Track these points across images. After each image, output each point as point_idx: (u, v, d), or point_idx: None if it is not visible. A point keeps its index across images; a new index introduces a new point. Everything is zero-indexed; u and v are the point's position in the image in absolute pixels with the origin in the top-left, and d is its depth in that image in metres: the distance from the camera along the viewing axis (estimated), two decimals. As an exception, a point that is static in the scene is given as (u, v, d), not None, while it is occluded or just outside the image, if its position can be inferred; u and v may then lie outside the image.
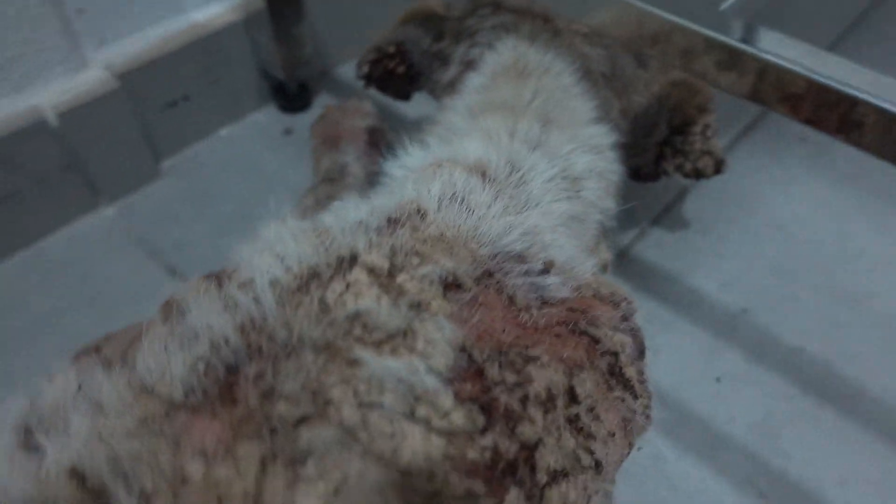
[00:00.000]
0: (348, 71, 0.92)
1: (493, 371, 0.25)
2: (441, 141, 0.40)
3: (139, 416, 0.21)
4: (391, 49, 0.65)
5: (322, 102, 0.87)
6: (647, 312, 0.67)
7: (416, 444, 0.22)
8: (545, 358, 0.27)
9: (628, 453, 0.34)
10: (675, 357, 0.61)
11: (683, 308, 0.64)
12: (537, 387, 0.25)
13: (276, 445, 0.20)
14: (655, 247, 0.70)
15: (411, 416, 0.22)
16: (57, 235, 0.73)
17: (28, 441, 0.23)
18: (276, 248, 0.27)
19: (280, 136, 0.83)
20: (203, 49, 0.78)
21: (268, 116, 0.86)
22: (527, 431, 0.24)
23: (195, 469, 0.19)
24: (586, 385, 0.28)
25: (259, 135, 0.83)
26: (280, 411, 0.20)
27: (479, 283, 0.29)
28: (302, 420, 0.20)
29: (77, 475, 0.21)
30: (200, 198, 0.76)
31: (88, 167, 0.72)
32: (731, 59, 0.48)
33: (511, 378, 0.25)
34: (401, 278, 0.25)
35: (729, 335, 0.62)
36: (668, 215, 0.72)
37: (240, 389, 0.21)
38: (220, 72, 0.81)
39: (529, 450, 0.24)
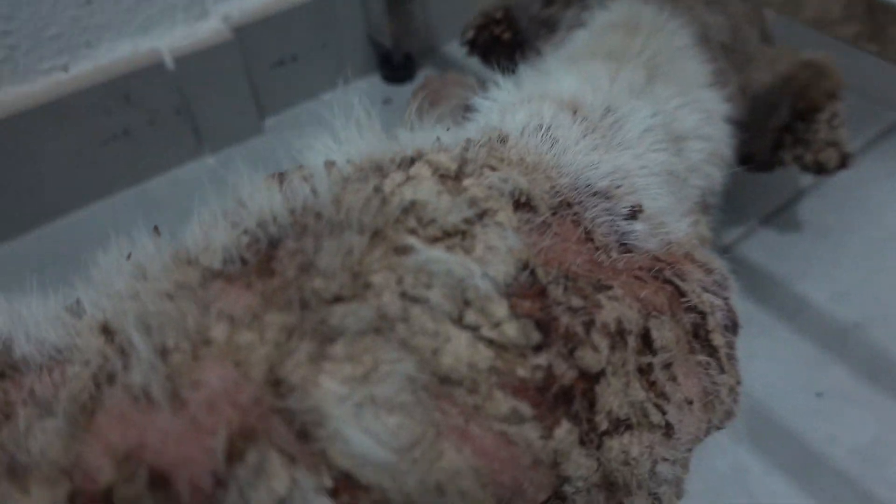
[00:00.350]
0: (454, 48, 0.91)
1: (557, 292, 0.22)
2: (535, 81, 0.38)
3: (176, 281, 0.20)
4: (498, 14, 0.63)
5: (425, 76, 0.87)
6: (744, 314, 0.61)
7: (461, 350, 0.20)
8: (619, 292, 0.24)
9: (707, 432, 0.30)
10: (771, 365, 0.55)
11: (786, 314, 0.58)
12: (606, 316, 0.22)
13: (305, 319, 0.18)
14: (762, 248, 0.64)
15: (459, 320, 0.20)
16: (161, 177, 0.76)
17: (74, 304, 0.23)
18: (344, 141, 0.25)
19: (379, 105, 0.83)
20: (317, 11, 0.79)
21: (370, 84, 0.86)
22: (587, 357, 0.21)
23: (219, 331, 0.18)
24: (664, 333, 0.25)
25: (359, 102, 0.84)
26: (315, 286, 0.19)
27: (556, 212, 0.27)
28: (337, 299, 0.19)
29: (107, 331, 0.20)
30: (296, 159, 0.77)
31: (197, 114, 0.75)
32: (874, 29, 0.43)
33: (577, 302, 0.22)
34: (467, 182, 0.23)
35: (837, 349, 0.55)
36: (780, 216, 0.66)
37: (278, 262, 0.20)
38: (330, 36, 0.82)
39: (589, 381, 0.21)
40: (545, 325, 0.21)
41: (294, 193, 0.23)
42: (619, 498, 0.26)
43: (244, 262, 0.20)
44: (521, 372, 0.20)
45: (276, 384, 0.17)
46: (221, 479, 0.16)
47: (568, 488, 0.22)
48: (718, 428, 0.32)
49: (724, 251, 0.64)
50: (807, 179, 0.69)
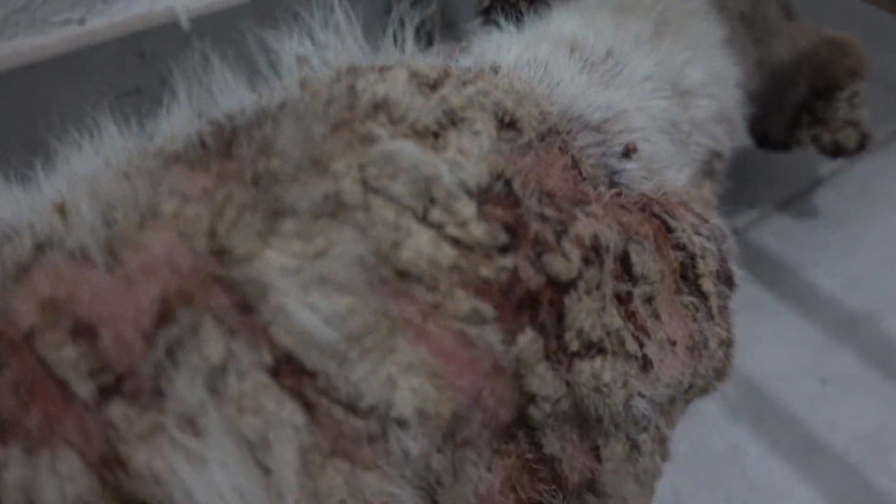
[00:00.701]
0: (473, 26, 0.90)
1: (531, 202, 0.21)
2: (538, 25, 0.37)
3: (136, 165, 0.20)
4: (515, -18, 0.62)
5: (443, 51, 0.86)
6: (752, 297, 0.59)
7: (422, 246, 0.19)
8: (598, 210, 0.23)
9: (692, 379, 0.29)
10: (776, 348, 0.53)
11: (796, 300, 0.56)
12: (581, 229, 0.21)
13: (258, 197, 0.18)
14: (775, 234, 0.62)
15: (423, 217, 0.19)
16: (172, 138, 0.76)
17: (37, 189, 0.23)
18: (321, 45, 0.25)
19: (396, 79, 0.83)
20: (335, -20, 0.78)
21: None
22: (556, 263, 0.20)
23: (169, 205, 0.17)
24: (646, 261, 0.24)
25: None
26: (271, 166, 0.18)
27: (543, 138, 0.26)
28: (293, 179, 0.18)
29: (60, 208, 0.19)
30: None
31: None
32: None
33: (551, 213, 0.21)
34: (446, 90, 0.22)
35: (846, 336, 0.54)
36: (795, 203, 0.64)
37: (238, 146, 0.19)
38: (349, 6, 0.81)
39: (558, 291, 0.20)
40: (514, 230, 0.20)
41: (271, 94, 0.22)
42: (593, 437, 0.25)
43: (205, 146, 0.20)
44: (485, 272, 0.19)
45: (220, 254, 0.17)
46: (150, 338, 0.15)
47: (535, 411, 0.21)
48: (707, 382, 0.31)
49: (736, 234, 0.62)
50: (825, 168, 0.67)
